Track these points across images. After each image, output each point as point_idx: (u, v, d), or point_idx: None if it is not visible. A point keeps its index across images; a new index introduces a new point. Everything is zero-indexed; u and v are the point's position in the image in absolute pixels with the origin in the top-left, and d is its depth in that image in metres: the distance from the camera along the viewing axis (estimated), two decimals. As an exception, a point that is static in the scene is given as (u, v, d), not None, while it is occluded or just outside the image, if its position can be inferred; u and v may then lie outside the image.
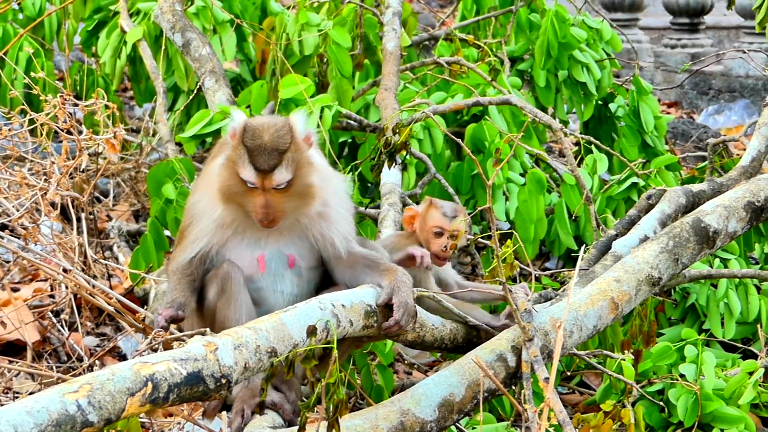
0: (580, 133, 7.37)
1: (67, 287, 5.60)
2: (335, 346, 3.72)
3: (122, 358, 5.94)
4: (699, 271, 5.55)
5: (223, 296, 4.14)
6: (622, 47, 8.09)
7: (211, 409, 4.19)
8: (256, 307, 4.19)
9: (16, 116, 5.48)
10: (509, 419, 5.06)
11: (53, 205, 5.57)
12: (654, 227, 5.40)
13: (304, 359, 3.68)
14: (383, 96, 6.54)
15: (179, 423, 4.51)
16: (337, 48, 6.66)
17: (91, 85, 8.11)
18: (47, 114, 5.33)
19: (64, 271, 5.46)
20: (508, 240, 4.31)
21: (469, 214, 4.90)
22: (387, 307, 4.10)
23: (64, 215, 6.62)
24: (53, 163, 5.46)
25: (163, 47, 7.24)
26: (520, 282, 4.71)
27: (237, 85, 7.68)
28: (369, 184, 6.73)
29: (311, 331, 3.71)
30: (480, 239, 5.70)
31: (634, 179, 6.43)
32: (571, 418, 4.01)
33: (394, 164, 5.37)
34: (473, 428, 4.62)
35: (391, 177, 5.81)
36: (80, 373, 5.07)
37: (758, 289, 5.79)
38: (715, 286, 5.73)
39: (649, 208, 5.67)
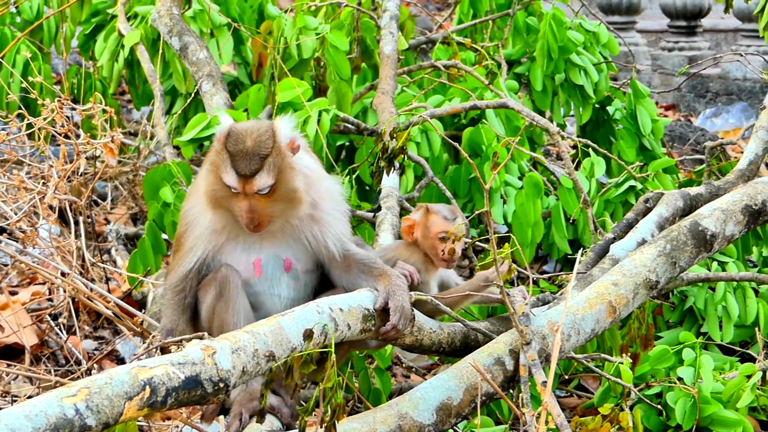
0: (577, 136, 7.37)
1: (65, 291, 5.61)
2: (333, 350, 3.73)
3: (120, 361, 5.93)
4: (697, 274, 5.55)
5: (221, 300, 4.14)
6: (619, 50, 8.09)
7: (209, 413, 4.19)
8: (254, 312, 4.19)
9: (13, 120, 5.48)
10: (507, 423, 5.05)
11: (51, 208, 5.57)
12: (652, 230, 5.41)
13: (302, 364, 3.69)
14: (380, 99, 6.54)
15: (177, 427, 4.51)
16: (334, 51, 6.66)
17: (88, 88, 8.11)
18: (45, 119, 5.33)
19: (62, 274, 5.47)
20: (506, 243, 4.32)
21: (467, 217, 4.90)
22: (384, 312, 4.10)
23: (62, 218, 6.62)
24: (51, 167, 5.47)
25: (161, 51, 7.24)
26: (518, 285, 4.71)
27: (234, 88, 7.68)
28: (367, 188, 6.73)
29: (308, 335, 3.72)
30: (478, 242, 5.71)
31: (632, 182, 6.43)
32: (569, 422, 4.01)
33: (392, 170, 5.37)
34: (471, 432, 4.63)
35: (388, 181, 5.81)
36: (78, 377, 5.08)
37: (756, 292, 5.79)
38: (713, 290, 5.73)
39: (647, 211, 5.67)
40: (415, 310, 4.26)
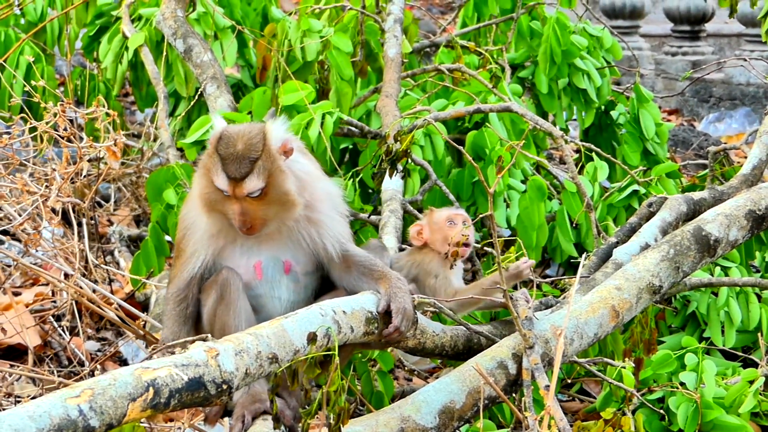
0: (580, 140, 7.37)
1: (67, 293, 5.61)
2: (336, 353, 3.73)
3: (123, 363, 5.94)
4: (700, 279, 5.55)
5: (222, 303, 4.14)
6: (622, 55, 8.09)
7: (213, 415, 4.19)
8: (255, 314, 4.20)
9: (16, 123, 5.49)
10: (510, 426, 5.06)
11: (54, 211, 5.57)
12: (655, 235, 5.41)
13: (307, 368, 3.69)
14: (384, 103, 6.54)
15: (180, 428, 4.52)
16: (338, 54, 6.67)
17: (92, 90, 8.12)
18: (47, 122, 5.33)
19: (66, 276, 5.47)
20: (512, 247, 4.32)
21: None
22: (387, 314, 4.11)
23: (66, 220, 6.63)
24: (54, 170, 5.47)
25: (165, 53, 7.25)
26: (521, 289, 4.72)
27: (238, 91, 7.68)
28: (370, 191, 6.73)
29: (312, 338, 3.72)
30: (482, 246, 5.72)
31: (635, 187, 6.43)
32: (571, 426, 4.01)
33: (395, 172, 5.38)
34: (473, 435, 4.62)
35: (392, 184, 5.81)
36: (82, 378, 5.08)
37: (759, 297, 5.79)
38: (716, 295, 5.73)
39: (650, 215, 5.67)
40: (418, 313, 4.26)
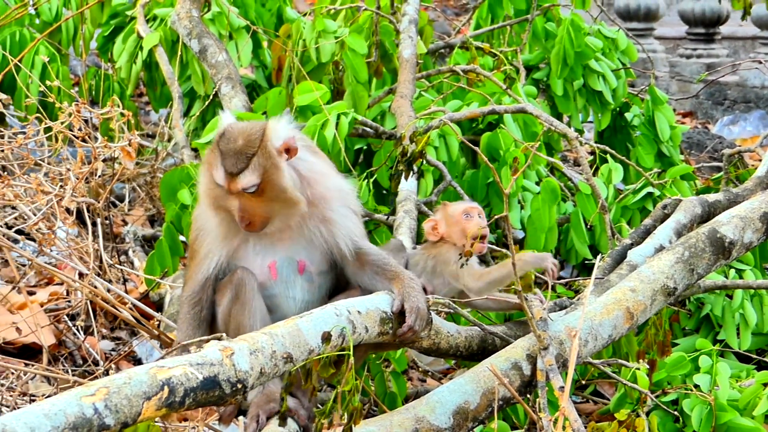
0: (595, 142, 7.37)
1: (82, 293, 5.62)
2: (351, 353, 3.73)
3: (137, 362, 5.95)
4: (714, 281, 5.54)
5: (238, 303, 4.14)
6: (637, 57, 8.10)
7: (227, 415, 4.19)
8: (270, 314, 4.20)
9: (31, 123, 5.51)
10: (524, 428, 5.06)
11: (69, 210, 5.59)
12: (669, 237, 5.40)
13: (321, 367, 3.69)
14: (399, 103, 6.54)
15: (194, 428, 4.52)
16: (353, 55, 6.67)
17: (107, 90, 8.14)
18: (62, 122, 5.35)
19: (80, 275, 5.48)
20: (522, 250, 4.32)
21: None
22: (401, 314, 4.10)
23: (80, 219, 6.64)
24: (69, 170, 5.48)
25: (179, 53, 7.26)
26: (536, 290, 4.72)
27: (252, 91, 7.69)
28: (384, 191, 6.73)
29: (326, 338, 3.72)
30: (495, 247, 5.72)
31: (650, 189, 6.42)
32: (585, 427, 4.01)
33: (411, 174, 5.38)
34: (487, 436, 4.62)
35: (406, 184, 5.81)
36: (96, 377, 5.09)
37: (773, 300, 5.79)
38: (731, 297, 5.72)
39: (665, 217, 5.67)
40: (432, 313, 4.26)
